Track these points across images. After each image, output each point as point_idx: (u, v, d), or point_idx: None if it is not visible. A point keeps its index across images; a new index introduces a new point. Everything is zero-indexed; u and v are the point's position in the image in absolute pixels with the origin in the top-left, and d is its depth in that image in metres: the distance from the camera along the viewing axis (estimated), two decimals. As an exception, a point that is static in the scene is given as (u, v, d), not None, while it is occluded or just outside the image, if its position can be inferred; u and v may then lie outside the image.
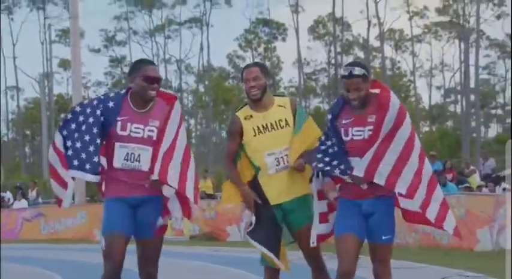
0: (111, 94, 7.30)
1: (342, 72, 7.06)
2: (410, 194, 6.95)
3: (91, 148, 7.01)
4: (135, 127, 7.10)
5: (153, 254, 7.32)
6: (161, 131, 7.17)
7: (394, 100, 6.98)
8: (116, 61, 76.77)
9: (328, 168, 7.07)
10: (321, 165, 7.10)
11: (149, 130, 7.14)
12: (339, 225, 7.09)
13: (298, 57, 70.55)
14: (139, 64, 7.29)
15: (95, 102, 7.15)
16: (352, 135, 7.01)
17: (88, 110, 7.10)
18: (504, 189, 21.47)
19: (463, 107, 67.65)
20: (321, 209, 7.33)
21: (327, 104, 73.34)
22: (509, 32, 65.37)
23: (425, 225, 7.43)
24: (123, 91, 7.29)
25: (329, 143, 7.13)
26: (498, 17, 67.56)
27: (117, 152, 7.10)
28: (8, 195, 38.26)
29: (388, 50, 71.39)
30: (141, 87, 7.11)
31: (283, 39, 73.61)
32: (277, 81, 72.92)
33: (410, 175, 6.94)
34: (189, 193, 7.26)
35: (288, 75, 70.63)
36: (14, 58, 72.79)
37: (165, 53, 73.25)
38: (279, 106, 7.62)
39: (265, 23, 73.15)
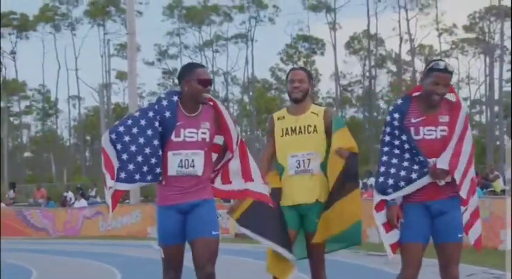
0: (165, 102, 6.71)
1: (433, 65, 6.50)
2: (466, 201, 6.53)
3: (153, 161, 6.55)
4: (189, 132, 6.63)
5: (209, 253, 6.61)
6: (225, 134, 6.77)
7: (463, 104, 6.66)
8: (168, 73, 76.98)
9: (397, 191, 6.44)
10: (389, 190, 6.46)
11: (202, 133, 6.66)
12: (405, 232, 6.49)
13: (335, 70, 70.41)
14: (192, 67, 6.81)
15: (151, 114, 6.64)
16: (424, 134, 6.48)
17: (143, 122, 6.60)
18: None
19: (488, 117, 67.22)
20: (382, 220, 6.60)
21: (361, 113, 73.14)
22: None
23: None
24: (175, 97, 6.75)
25: (397, 142, 6.51)
26: (521, 34, 67.12)
27: (170, 161, 6.60)
28: (70, 195, 38.64)
29: (419, 64, 71.08)
30: (197, 90, 6.65)
31: (322, 54, 73.51)
32: (316, 92, 72.74)
33: (469, 181, 6.54)
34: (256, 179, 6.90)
35: (326, 87, 71.01)
36: (76, 70, 73.25)
37: (213, 66, 73.43)
38: (313, 112, 7.36)
39: (305, 39, 73.10)
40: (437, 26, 68.84)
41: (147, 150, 6.55)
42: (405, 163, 6.46)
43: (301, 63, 73.08)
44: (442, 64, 6.47)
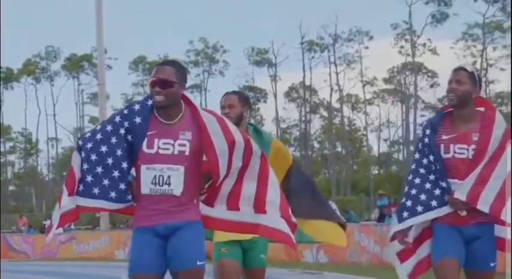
0: (137, 107, 4.84)
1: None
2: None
3: (115, 174, 4.72)
4: (164, 143, 4.73)
5: None
6: (206, 149, 4.77)
7: (500, 119, 5.23)
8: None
9: (412, 217, 5.24)
10: (405, 214, 5.26)
11: (180, 145, 4.74)
12: (438, 250, 5.22)
13: (276, 115, 70.78)
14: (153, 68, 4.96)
15: (118, 119, 4.81)
16: (454, 152, 5.17)
17: (109, 128, 4.78)
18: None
19: (405, 155, 67.76)
20: (396, 249, 5.46)
21: (298, 152, 73.31)
22: (440, 97, 65.78)
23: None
24: (150, 102, 4.87)
25: (425, 161, 5.22)
26: (431, 86, 68.13)
27: (143, 176, 4.73)
28: (48, 223, 38.08)
29: (346, 110, 71.65)
30: (150, 92, 4.86)
31: (265, 101, 73.77)
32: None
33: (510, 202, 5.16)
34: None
35: (268, 129, 71.47)
36: (54, 115, 72.59)
37: (172, 112, 73.27)
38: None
39: (250, 89, 73.25)
40: (362, 78, 69.52)
41: (109, 160, 4.74)
42: (427, 185, 5.20)
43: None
44: (458, 66, 5.37)
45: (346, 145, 70.64)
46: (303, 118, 71.75)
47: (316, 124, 74.21)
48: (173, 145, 4.75)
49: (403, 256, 5.45)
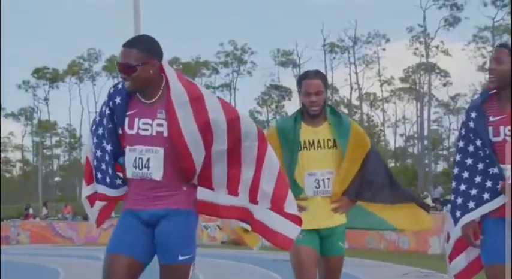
0: (119, 86, 4.17)
1: None
2: None
3: (106, 157, 4.14)
4: (144, 123, 4.05)
5: None
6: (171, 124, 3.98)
7: None
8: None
9: (465, 215, 4.35)
10: (457, 214, 4.40)
11: (158, 125, 4.03)
12: (487, 251, 4.32)
13: (300, 112, 70.61)
14: None
15: (106, 98, 4.23)
16: (505, 134, 4.24)
17: (103, 108, 4.23)
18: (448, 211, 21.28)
19: (419, 149, 67.38)
20: (449, 251, 4.63)
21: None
22: (453, 94, 65.43)
23: None
24: None
25: (471, 149, 4.31)
26: (444, 85, 67.68)
27: (126, 159, 4.08)
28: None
29: (365, 108, 71.36)
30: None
31: (289, 99, 73.56)
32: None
33: None
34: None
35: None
36: (96, 112, 72.99)
37: (204, 109, 73.43)
38: (330, 124, 4.98)
39: (276, 88, 73.22)
40: (380, 77, 69.19)
41: (104, 143, 4.17)
42: (478, 178, 4.31)
43: (273, 106, 73.18)
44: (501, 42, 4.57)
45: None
46: (325, 115, 71.54)
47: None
48: (151, 125, 4.06)
49: (452, 255, 4.60)
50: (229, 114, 4.06)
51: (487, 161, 4.27)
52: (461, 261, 4.53)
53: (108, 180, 4.17)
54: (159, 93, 4.07)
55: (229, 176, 4.13)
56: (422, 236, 17.82)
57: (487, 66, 4.51)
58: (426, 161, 63.86)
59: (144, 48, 4.03)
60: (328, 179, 4.92)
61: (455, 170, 4.41)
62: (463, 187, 4.35)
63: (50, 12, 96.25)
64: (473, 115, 4.35)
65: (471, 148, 4.33)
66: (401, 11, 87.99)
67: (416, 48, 64.97)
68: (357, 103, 70.47)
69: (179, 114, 3.98)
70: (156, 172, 4.02)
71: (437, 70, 66.59)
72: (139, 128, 4.05)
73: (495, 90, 4.37)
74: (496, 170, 4.23)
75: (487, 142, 4.26)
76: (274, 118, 72.38)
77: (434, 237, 17.64)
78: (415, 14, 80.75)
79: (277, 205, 4.17)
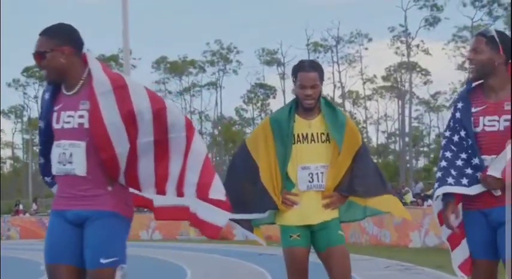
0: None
1: None
2: None
3: (42, 148, 3.96)
4: (68, 116, 3.77)
5: None
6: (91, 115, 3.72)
7: None
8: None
9: (442, 186, 4.16)
10: (435, 185, 4.22)
11: (80, 116, 3.74)
12: (472, 246, 4.21)
13: (284, 110, 70.61)
14: None
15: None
16: (484, 125, 4.09)
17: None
18: (429, 205, 21.43)
19: (400, 146, 67.61)
20: (446, 234, 4.36)
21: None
22: (433, 93, 65.68)
23: None
24: None
25: (456, 138, 4.18)
26: (425, 83, 68.06)
27: (53, 155, 3.84)
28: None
29: (348, 105, 71.46)
30: None
31: (274, 97, 73.65)
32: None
33: None
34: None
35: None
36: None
37: (190, 107, 73.31)
38: (324, 116, 4.75)
39: (261, 86, 73.23)
40: (362, 76, 69.38)
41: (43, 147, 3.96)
42: (458, 162, 4.19)
43: (258, 104, 73.15)
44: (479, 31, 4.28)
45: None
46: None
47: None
48: (74, 118, 3.76)
49: (452, 242, 4.38)
50: (155, 104, 3.80)
51: (470, 151, 4.16)
52: (458, 255, 4.35)
53: (49, 178, 4.00)
54: (81, 83, 3.79)
55: (156, 174, 3.87)
56: (403, 230, 17.91)
57: (467, 64, 4.41)
58: (407, 158, 64.08)
59: (54, 34, 3.78)
60: (322, 173, 4.69)
61: (441, 151, 4.29)
62: (444, 164, 4.22)
63: (40, 11, 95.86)
64: (459, 105, 4.22)
65: (456, 138, 4.22)
66: (383, 12, 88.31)
67: (398, 48, 65.23)
68: (340, 101, 70.56)
69: (101, 103, 3.70)
70: (79, 167, 3.73)
71: (418, 69, 66.86)
72: (63, 122, 3.78)
73: (481, 81, 4.20)
74: (476, 161, 4.11)
75: (470, 133, 4.13)
76: (259, 115, 72.38)
77: (414, 231, 17.72)
78: (397, 15, 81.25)
79: (202, 193, 3.88)
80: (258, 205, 4.73)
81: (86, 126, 3.72)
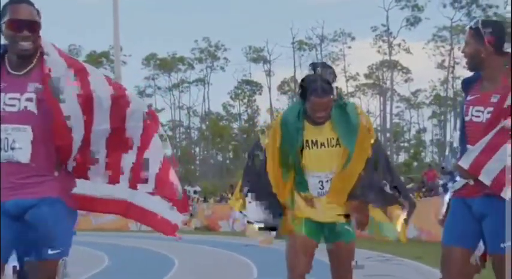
0: None
1: None
2: None
3: None
4: (10, 98, 3.38)
5: None
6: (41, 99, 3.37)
7: None
8: (146, 107, 76.40)
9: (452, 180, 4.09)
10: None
11: (27, 99, 3.38)
12: (446, 232, 4.10)
13: (270, 106, 70.66)
14: (7, 4, 3.43)
15: None
16: (472, 115, 3.95)
17: None
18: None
19: (381, 141, 67.83)
20: None
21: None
22: (413, 90, 65.92)
23: None
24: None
25: (458, 125, 4.09)
26: (405, 81, 68.16)
27: None
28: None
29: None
30: (9, 37, 3.41)
31: (260, 94, 73.51)
32: (256, 122, 72.89)
33: None
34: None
35: (263, 119, 71.47)
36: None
37: (179, 102, 73.16)
38: (334, 121, 4.55)
39: (247, 83, 73.14)
40: (345, 74, 69.47)
41: None
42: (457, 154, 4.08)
43: (245, 100, 73.08)
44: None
45: (331, 132, 70.55)
46: (294, 109, 71.78)
47: (305, 113, 74.14)
48: (19, 100, 3.38)
49: None
50: (115, 91, 3.54)
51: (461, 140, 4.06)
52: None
53: None
54: (32, 65, 3.44)
55: (108, 163, 3.56)
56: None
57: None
58: (388, 153, 64.33)
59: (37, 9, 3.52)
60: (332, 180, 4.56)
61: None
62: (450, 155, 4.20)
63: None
64: (464, 93, 4.12)
65: (458, 125, 4.14)
66: (365, 12, 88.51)
67: (380, 46, 65.33)
68: (323, 97, 70.71)
69: (56, 87, 3.39)
70: (23, 153, 3.37)
71: (399, 67, 67.00)
72: (5, 104, 3.39)
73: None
74: (458, 149, 4.03)
75: (461, 122, 4.05)
76: (245, 111, 72.37)
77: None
78: (379, 15, 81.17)
79: (160, 190, 3.62)
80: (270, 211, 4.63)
81: (32, 109, 3.38)
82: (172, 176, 3.67)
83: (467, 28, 4.06)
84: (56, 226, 3.42)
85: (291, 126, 4.55)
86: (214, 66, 72.16)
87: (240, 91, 74.21)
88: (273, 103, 71.03)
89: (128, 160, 3.58)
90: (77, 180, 3.55)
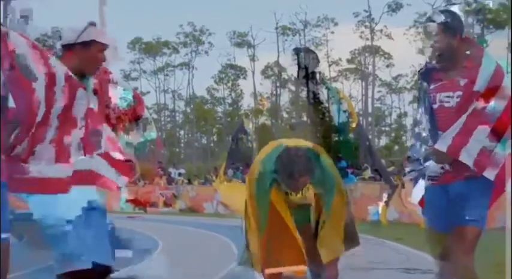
0: None
1: None
2: (497, 184, 3.84)
3: None
4: None
5: None
6: None
7: (487, 61, 3.83)
8: (131, 90, 76.18)
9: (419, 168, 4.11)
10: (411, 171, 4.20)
11: None
12: (429, 220, 4.19)
13: (253, 90, 70.61)
14: None
15: None
16: (440, 101, 3.98)
17: None
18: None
19: (363, 125, 68.05)
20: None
21: (269, 121, 73.38)
22: (395, 75, 66.07)
23: None
24: None
25: (418, 116, 4.15)
26: (387, 66, 68.27)
27: None
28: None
29: (312, 86, 71.67)
30: None
31: (244, 78, 73.34)
32: (240, 106, 72.83)
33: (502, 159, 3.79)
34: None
35: (247, 102, 71.60)
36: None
37: (164, 86, 72.96)
38: (312, 183, 4.32)
39: (231, 67, 73.02)
40: (328, 59, 69.48)
41: None
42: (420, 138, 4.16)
43: (229, 85, 72.96)
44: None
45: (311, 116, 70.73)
46: (274, 92, 71.76)
47: (285, 97, 74.29)
48: None
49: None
50: (67, 71, 3.43)
51: (429, 128, 4.10)
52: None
53: None
54: None
55: (58, 144, 3.37)
56: (361, 204, 18.08)
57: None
58: (370, 136, 64.57)
59: None
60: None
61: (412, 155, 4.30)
62: (414, 141, 4.23)
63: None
64: (424, 84, 4.16)
65: (418, 116, 4.21)
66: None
67: (362, 32, 65.36)
68: (304, 81, 70.75)
69: (19, 60, 3.23)
70: None
71: (381, 53, 67.10)
72: None
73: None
74: (436, 137, 4.01)
75: (428, 110, 4.08)
76: (229, 95, 72.31)
77: (373, 205, 17.94)
78: (361, 1, 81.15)
79: (106, 154, 3.53)
80: None
81: None
82: (117, 147, 3.60)
83: (433, 24, 4.01)
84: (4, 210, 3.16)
85: (264, 193, 4.25)
86: (199, 50, 71.94)
87: (224, 75, 74.07)
88: (256, 87, 71.12)
89: (76, 136, 3.44)
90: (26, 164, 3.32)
